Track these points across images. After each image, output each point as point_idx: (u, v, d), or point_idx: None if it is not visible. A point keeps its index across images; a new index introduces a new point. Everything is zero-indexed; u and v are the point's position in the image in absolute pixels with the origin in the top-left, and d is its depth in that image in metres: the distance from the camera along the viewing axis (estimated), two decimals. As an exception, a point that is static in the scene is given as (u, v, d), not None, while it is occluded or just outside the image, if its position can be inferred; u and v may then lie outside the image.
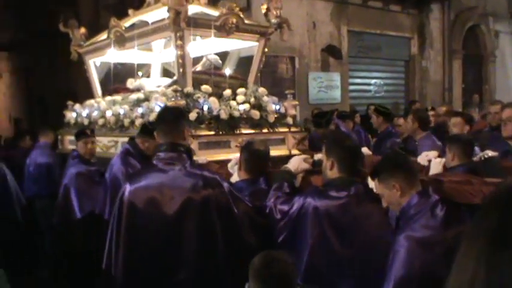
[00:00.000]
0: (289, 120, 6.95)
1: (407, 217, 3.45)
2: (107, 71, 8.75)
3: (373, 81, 17.43)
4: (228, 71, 7.58)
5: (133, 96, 7.03)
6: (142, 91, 7.25)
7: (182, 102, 6.09)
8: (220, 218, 3.96)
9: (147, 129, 5.78)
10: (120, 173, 5.84)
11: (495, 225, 1.12)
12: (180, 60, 6.52)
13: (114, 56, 7.71)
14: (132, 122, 6.68)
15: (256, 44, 7.34)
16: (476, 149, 5.41)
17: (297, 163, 4.63)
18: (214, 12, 7.14)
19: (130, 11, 8.01)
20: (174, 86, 6.48)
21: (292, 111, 7.07)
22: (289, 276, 3.20)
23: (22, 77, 22.95)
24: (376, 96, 17.11)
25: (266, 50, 7.46)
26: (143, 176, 4.20)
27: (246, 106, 6.53)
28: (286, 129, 6.85)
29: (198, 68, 7.64)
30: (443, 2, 18.73)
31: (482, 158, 5.16)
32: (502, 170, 4.76)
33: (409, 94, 18.15)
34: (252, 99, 6.68)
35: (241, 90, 6.75)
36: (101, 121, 7.43)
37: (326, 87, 15.51)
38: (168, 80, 7.42)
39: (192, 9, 6.81)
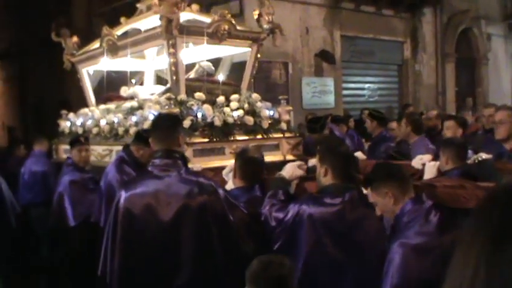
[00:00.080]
0: (283, 125, 6.94)
1: (401, 224, 3.45)
2: (100, 79, 8.74)
3: (366, 85, 17.44)
4: (221, 77, 7.58)
5: (127, 104, 7.02)
6: (136, 99, 7.25)
7: (176, 110, 6.08)
8: (216, 224, 3.96)
9: (141, 137, 5.78)
10: (115, 180, 5.83)
11: (495, 224, 1.11)
12: (173, 68, 6.51)
13: (107, 64, 7.70)
14: (127, 131, 6.67)
15: (249, 49, 7.34)
16: (470, 152, 5.42)
17: (291, 170, 4.63)
18: (206, 19, 7.14)
19: (122, 19, 8.00)
20: (168, 94, 6.46)
21: (286, 117, 7.07)
22: (287, 279, 3.21)
23: (15, 85, 22.90)
24: (370, 101, 17.12)
25: (259, 55, 7.45)
26: (139, 183, 4.20)
27: (240, 112, 6.52)
28: (280, 135, 6.83)
29: (191, 75, 7.63)
30: (436, 5, 18.77)
31: (476, 161, 5.17)
32: (496, 172, 4.77)
33: (403, 98, 18.16)
34: (246, 106, 6.67)
35: (234, 96, 6.74)
36: (95, 130, 7.42)
37: (320, 92, 15.51)
38: (162, 88, 7.41)
39: (184, 16, 6.80)
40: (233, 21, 6.84)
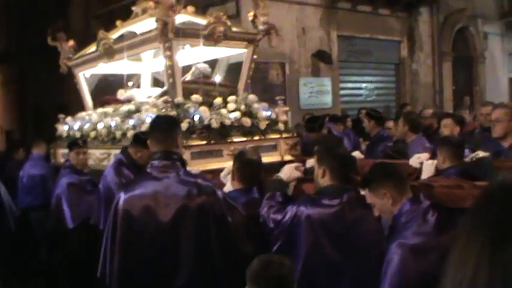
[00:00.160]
0: (281, 126, 6.94)
1: (399, 225, 3.46)
2: (97, 82, 8.75)
3: (363, 85, 17.45)
4: (218, 78, 7.58)
5: (125, 107, 7.02)
6: (133, 102, 7.24)
7: (173, 113, 6.08)
8: (215, 225, 3.96)
9: (139, 139, 5.77)
10: (114, 183, 5.82)
11: (494, 223, 1.11)
12: (170, 71, 6.51)
13: (103, 67, 7.70)
14: (124, 134, 6.67)
15: (245, 51, 7.34)
16: (467, 150, 5.42)
17: (289, 172, 4.64)
18: (201, 21, 7.14)
19: (118, 22, 7.98)
20: (165, 97, 6.47)
21: (283, 117, 7.07)
22: (287, 278, 3.22)
23: (13, 88, 22.90)
24: (368, 100, 17.14)
25: (255, 56, 7.45)
26: (137, 185, 4.20)
27: (237, 114, 6.52)
28: (277, 136, 6.83)
29: (188, 77, 7.63)
30: (432, 4, 18.77)
31: (474, 159, 5.17)
32: (493, 171, 4.78)
33: (400, 97, 18.17)
34: (243, 107, 6.67)
35: (231, 98, 6.73)
36: (92, 134, 7.40)
37: (317, 92, 15.52)
38: (159, 90, 7.42)
39: (180, 18, 6.81)
40: (229, 23, 6.84)
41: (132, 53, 7.13)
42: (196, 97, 6.47)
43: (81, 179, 7.03)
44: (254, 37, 7.26)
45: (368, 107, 11.86)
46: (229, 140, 6.32)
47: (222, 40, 6.73)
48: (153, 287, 3.96)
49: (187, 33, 6.53)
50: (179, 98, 6.41)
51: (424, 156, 5.45)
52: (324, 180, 4.08)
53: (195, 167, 5.54)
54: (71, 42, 8.58)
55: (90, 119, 7.64)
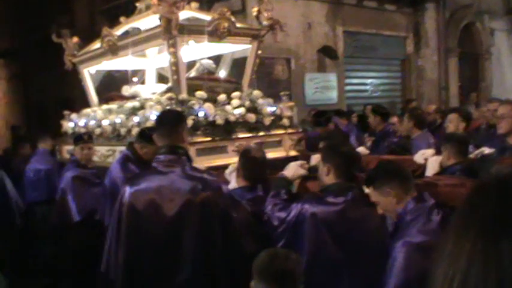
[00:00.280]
0: (285, 121, 6.94)
1: (404, 223, 3.44)
2: (102, 78, 8.75)
3: (369, 81, 17.40)
4: (222, 73, 7.57)
5: (129, 104, 7.02)
6: (137, 98, 7.24)
7: (178, 110, 6.08)
8: (219, 221, 3.97)
9: (145, 135, 5.78)
10: (119, 178, 5.81)
11: (489, 216, 1.10)
12: (174, 67, 6.50)
13: (108, 64, 7.70)
14: (129, 131, 6.67)
15: (250, 46, 7.33)
16: (470, 147, 5.41)
17: (294, 169, 4.63)
18: (205, 17, 7.13)
19: (122, 19, 7.99)
20: (169, 94, 6.46)
21: (288, 113, 7.06)
22: (294, 272, 3.22)
23: (19, 84, 22.93)
24: (373, 96, 17.09)
25: (259, 52, 7.44)
26: (143, 179, 4.21)
27: (242, 110, 6.51)
28: (282, 131, 6.83)
29: (192, 73, 7.63)
30: (438, 0, 18.71)
31: (479, 156, 5.16)
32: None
33: (406, 93, 18.12)
34: (247, 103, 6.68)
35: (236, 94, 6.74)
36: (97, 130, 7.41)
37: (322, 87, 15.50)
38: (163, 86, 7.41)
39: (184, 14, 6.80)
40: (233, 19, 6.83)
41: (137, 50, 7.13)
42: (200, 93, 6.47)
43: (86, 172, 7.02)
44: (258, 33, 7.25)
45: (373, 103, 11.87)
46: (234, 136, 6.32)
47: (226, 36, 6.73)
48: (156, 281, 3.97)
49: (191, 29, 6.53)
50: (183, 95, 6.40)
51: (429, 152, 5.45)
52: (328, 178, 4.07)
53: (200, 163, 5.53)
54: (76, 39, 8.57)
55: (95, 115, 7.65)
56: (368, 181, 3.71)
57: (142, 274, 3.99)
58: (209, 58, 7.73)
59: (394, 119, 9.34)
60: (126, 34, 7.64)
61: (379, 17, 16.91)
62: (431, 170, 5.08)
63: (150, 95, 7.23)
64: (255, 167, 4.73)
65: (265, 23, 7.18)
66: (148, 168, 4.36)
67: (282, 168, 4.74)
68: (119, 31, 7.74)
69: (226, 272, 3.96)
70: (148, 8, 7.23)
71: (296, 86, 14.77)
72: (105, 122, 7.24)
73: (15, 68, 22.79)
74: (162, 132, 4.30)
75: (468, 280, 1.06)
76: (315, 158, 5.00)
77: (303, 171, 4.67)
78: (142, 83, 8.45)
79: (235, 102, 6.59)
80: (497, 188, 1.14)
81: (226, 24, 6.64)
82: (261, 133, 6.60)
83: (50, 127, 11.34)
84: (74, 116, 8.50)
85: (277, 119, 6.88)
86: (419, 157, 5.41)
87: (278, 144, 6.77)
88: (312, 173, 4.66)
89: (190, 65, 7.65)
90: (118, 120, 6.94)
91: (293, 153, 6.69)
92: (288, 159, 5.39)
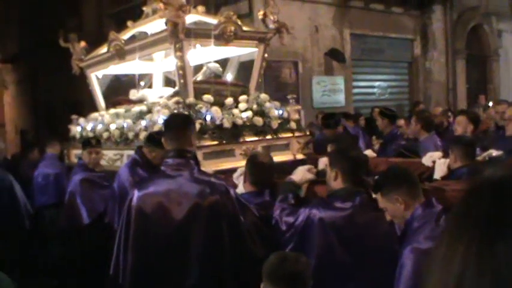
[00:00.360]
0: (293, 124, 6.93)
1: (412, 229, 3.42)
2: (110, 82, 8.78)
3: (376, 83, 17.40)
4: (229, 76, 7.57)
5: (136, 108, 7.03)
6: (145, 102, 7.26)
7: (186, 113, 6.08)
8: (227, 225, 3.96)
9: (153, 139, 5.78)
10: (128, 182, 5.83)
11: (483, 218, 1.09)
12: (181, 71, 6.50)
13: (115, 68, 7.72)
14: (136, 135, 6.69)
15: (256, 49, 7.34)
16: (478, 149, 5.40)
17: (301, 174, 4.63)
18: (212, 20, 7.14)
19: (129, 23, 8.01)
20: (176, 98, 6.47)
21: (295, 116, 7.05)
22: (303, 274, 3.21)
23: (27, 87, 23.02)
24: (381, 99, 17.09)
25: (266, 55, 7.43)
26: (151, 182, 4.22)
27: (249, 113, 6.51)
28: (290, 134, 6.83)
29: (199, 77, 7.63)
30: (446, 2, 18.69)
31: (487, 158, 5.15)
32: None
33: (413, 95, 18.11)
34: (254, 106, 6.67)
35: (243, 97, 6.74)
36: (105, 134, 7.42)
37: (330, 90, 15.51)
38: (170, 90, 7.42)
39: (190, 18, 6.81)
40: (239, 22, 6.83)
41: (143, 54, 7.14)
42: (207, 97, 6.47)
43: (94, 174, 7.04)
44: (265, 36, 7.24)
45: (381, 106, 11.85)
46: (241, 140, 6.31)
47: (233, 39, 6.73)
48: (165, 284, 3.97)
49: (198, 33, 6.53)
50: (191, 99, 6.41)
51: (437, 155, 5.44)
52: (336, 183, 4.07)
53: (207, 167, 5.53)
54: (83, 43, 8.60)
55: (103, 120, 7.66)
56: (376, 188, 3.70)
57: (150, 277, 3.99)
58: (216, 62, 7.72)
59: (401, 122, 9.33)
60: (133, 38, 7.66)
61: (386, 20, 16.90)
62: (439, 172, 5.08)
63: (157, 99, 7.24)
64: (262, 172, 4.72)
65: (271, 26, 7.18)
66: (157, 172, 4.37)
67: (290, 172, 4.74)
68: (125, 35, 7.77)
69: (233, 276, 3.96)
70: (155, 12, 7.24)
71: (303, 89, 14.79)
72: (113, 126, 7.25)
73: (24, 72, 22.88)
74: (170, 135, 4.29)
75: (462, 283, 1.05)
76: (323, 162, 4.99)
77: (310, 176, 4.67)
78: (150, 87, 8.46)
79: (242, 105, 6.59)
80: (491, 190, 1.13)
81: (232, 28, 6.64)
82: (268, 136, 6.59)
83: (58, 131, 11.38)
84: (81, 120, 8.53)
85: (284, 122, 6.87)
86: (427, 160, 5.40)
87: (285, 147, 6.77)
88: (320, 177, 4.65)
89: (197, 68, 7.65)
90: (125, 124, 6.95)
91: (300, 156, 6.68)
92: (295, 163, 5.38)
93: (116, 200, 6.01)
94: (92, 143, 7.15)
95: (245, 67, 7.92)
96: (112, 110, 7.76)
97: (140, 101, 7.57)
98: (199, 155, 5.72)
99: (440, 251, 1.13)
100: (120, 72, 8.28)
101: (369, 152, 6.42)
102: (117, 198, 5.98)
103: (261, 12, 7.26)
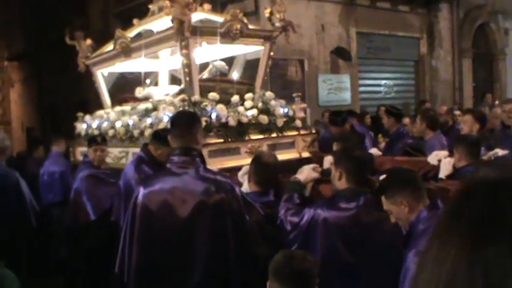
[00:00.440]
0: (298, 123, 6.93)
1: (417, 232, 3.40)
2: (115, 80, 8.79)
3: (383, 82, 17.35)
4: (235, 75, 7.58)
5: (142, 106, 7.05)
6: (150, 100, 7.26)
7: (192, 111, 6.08)
8: (232, 223, 3.96)
9: (159, 136, 5.79)
10: (134, 180, 5.84)
11: (475, 220, 1.08)
12: (187, 69, 6.51)
13: (121, 66, 7.73)
14: (142, 133, 6.69)
15: (262, 48, 7.33)
16: (483, 149, 5.39)
17: (307, 173, 4.63)
18: (218, 18, 7.15)
19: (135, 21, 8.02)
20: (182, 95, 6.48)
21: (300, 114, 7.05)
22: (309, 272, 3.22)
23: (33, 86, 23.07)
24: (387, 97, 17.03)
25: (272, 53, 7.44)
26: (156, 180, 4.23)
27: (254, 111, 6.51)
28: (295, 133, 6.82)
29: (205, 75, 7.64)
30: (452, 1, 18.62)
31: (492, 158, 5.14)
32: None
33: (419, 94, 18.06)
34: (260, 104, 6.67)
35: (248, 95, 6.74)
36: (111, 132, 7.44)
37: (336, 89, 15.49)
38: (176, 88, 7.42)
39: (196, 16, 6.81)
40: (245, 20, 6.84)
41: (149, 52, 7.16)
42: (213, 95, 6.47)
43: (99, 171, 7.05)
44: (271, 34, 7.24)
45: (387, 104, 11.83)
46: (246, 138, 6.31)
47: (239, 37, 6.73)
48: (169, 282, 3.98)
49: (204, 31, 6.54)
50: (196, 97, 6.42)
51: (443, 153, 5.44)
52: (340, 183, 4.07)
53: (213, 165, 5.53)
54: (89, 41, 8.62)
55: (108, 117, 7.68)
56: (380, 190, 3.69)
57: (154, 275, 4.00)
58: (222, 60, 7.73)
59: (406, 120, 9.31)
60: (139, 36, 7.67)
61: (393, 18, 16.86)
62: (444, 171, 5.07)
63: (163, 97, 7.25)
64: (266, 172, 4.72)
65: (277, 24, 7.18)
66: (162, 169, 4.38)
67: (295, 170, 4.74)
68: (131, 33, 7.78)
69: (238, 274, 3.96)
70: (161, 10, 7.25)
71: (309, 87, 14.77)
72: (118, 124, 7.26)
73: (30, 70, 22.93)
74: (176, 133, 4.30)
75: (453, 286, 1.04)
76: (328, 160, 4.99)
77: (315, 175, 4.66)
78: (155, 84, 8.47)
79: (248, 103, 6.59)
80: (484, 192, 1.12)
81: (238, 26, 6.64)
82: (274, 134, 6.59)
83: (64, 129, 11.40)
84: (87, 117, 8.54)
85: (290, 120, 6.87)
86: (433, 158, 5.40)
87: (291, 145, 6.76)
88: (325, 175, 4.65)
89: (203, 66, 7.66)
90: (131, 122, 6.96)
91: (306, 154, 6.68)
92: (300, 161, 5.37)
93: (121, 197, 6.01)
94: (98, 140, 7.16)
95: (251, 65, 7.92)
96: (118, 108, 7.78)
97: (146, 98, 7.58)
98: (205, 152, 5.72)
99: (431, 252, 1.12)
100: (126, 70, 8.30)
101: (374, 151, 6.42)
102: (123, 195, 5.99)
103: (268, 10, 7.26)
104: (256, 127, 6.48)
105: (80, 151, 8.41)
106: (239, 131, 6.29)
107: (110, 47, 7.97)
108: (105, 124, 7.72)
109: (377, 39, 16.71)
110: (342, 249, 3.83)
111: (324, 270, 3.75)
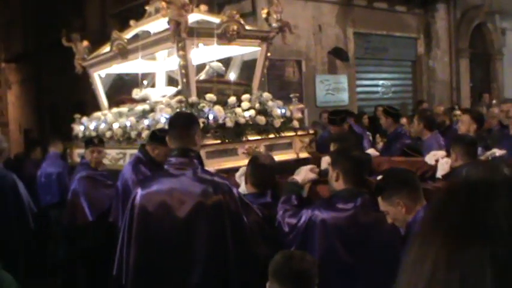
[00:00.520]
0: (296, 124, 6.93)
1: (413, 233, 3.41)
2: (112, 81, 8.79)
3: (380, 82, 17.34)
4: (232, 75, 7.57)
5: (139, 107, 7.05)
6: (148, 101, 7.26)
7: (190, 112, 6.08)
8: (230, 224, 3.97)
9: (156, 137, 5.80)
10: (131, 180, 5.84)
11: (456, 222, 1.07)
12: (183, 70, 6.51)
13: (118, 67, 7.73)
14: (139, 134, 6.69)
15: (259, 48, 7.33)
16: (480, 149, 5.39)
17: (304, 174, 4.62)
18: (215, 19, 7.14)
19: (132, 22, 8.02)
20: (179, 97, 6.47)
21: (298, 115, 7.05)
22: (308, 272, 3.22)
23: (31, 87, 23.06)
24: (384, 98, 17.03)
25: (269, 54, 7.43)
26: (154, 181, 4.24)
27: (252, 112, 6.51)
28: (292, 133, 6.82)
29: (202, 76, 7.63)
30: (449, 1, 18.62)
31: (490, 158, 5.14)
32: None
33: (417, 94, 18.06)
34: (257, 105, 6.67)
35: (245, 96, 6.73)
36: (108, 134, 7.44)
37: (333, 89, 15.48)
38: (173, 89, 7.42)
39: (193, 17, 6.81)
40: (242, 21, 6.83)
41: (146, 53, 7.16)
42: (210, 96, 6.47)
43: (96, 173, 7.06)
44: (268, 35, 7.24)
45: (385, 104, 11.83)
46: (243, 139, 6.31)
47: (236, 38, 6.73)
48: (168, 283, 3.98)
49: (201, 32, 6.54)
50: (193, 98, 6.41)
51: (440, 153, 5.44)
52: (338, 183, 4.07)
53: (210, 166, 5.53)
54: (86, 43, 8.61)
55: (106, 119, 7.67)
56: (377, 191, 3.69)
57: (152, 276, 4.00)
58: (219, 61, 7.73)
59: (403, 120, 9.32)
60: (135, 37, 7.67)
61: (390, 18, 16.85)
62: (441, 171, 5.07)
63: (160, 98, 7.24)
64: (263, 173, 4.72)
65: (274, 25, 7.17)
66: (160, 170, 4.38)
67: (293, 171, 4.74)
68: (128, 35, 7.78)
69: (237, 275, 3.96)
70: (157, 11, 7.25)
71: (307, 88, 14.76)
72: (116, 125, 7.26)
73: (28, 72, 22.93)
74: (174, 134, 4.30)
75: (431, 287, 1.04)
76: (325, 161, 4.99)
77: (313, 176, 4.66)
78: (153, 86, 8.47)
79: (245, 104, 6.59)
80: (466, 193, 1.12)
81: (235, 27, 6.64)
82: (271, 135, 6.59)
83: (64, 129, 11.40)
84: (84, 119, 8.54)
85: (287, 121, 6.86)
86: (430, 158, 5.40)
87: (288, 146, 6.76)
88: (323, 176, 4.65)
89: (200, 67, 7.66)
90: (128, 123, 6.96)
91: (303, 155, 6.68)
92: (298, 162, 5.37)
93: (119, 199, 6.02)
94: (95, 142, 7.17)
95: (248, 66, 7.91)
96: (115, 109, 7.78)
97: (143, 100, 7.58)
98: (202, 153, 5.71)
99: (411, 253, 1.12)
100: (123, 71, 8.30)
101: (371, 151, 6.41)
102: (120, 196, 5.99)
103: (265, 11, 7.25)
104: (254, 128, 6.48)
105: (77, 153, 8.41)
106: (236, 132, 6.29)
107: (106, 48, 7.97)
108: (102, 125, 7.71)
109: (374, 39, 16.70)
110: (340, 250, 3.83)
111: (323, 271, 3.76)
